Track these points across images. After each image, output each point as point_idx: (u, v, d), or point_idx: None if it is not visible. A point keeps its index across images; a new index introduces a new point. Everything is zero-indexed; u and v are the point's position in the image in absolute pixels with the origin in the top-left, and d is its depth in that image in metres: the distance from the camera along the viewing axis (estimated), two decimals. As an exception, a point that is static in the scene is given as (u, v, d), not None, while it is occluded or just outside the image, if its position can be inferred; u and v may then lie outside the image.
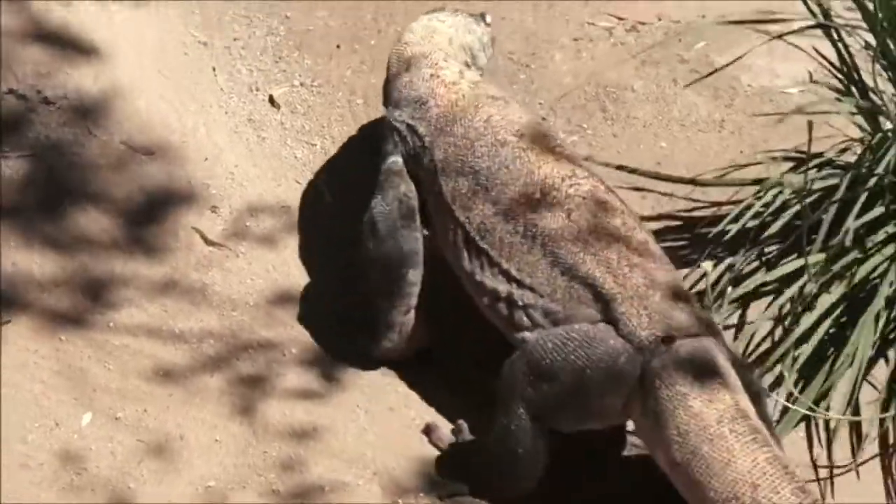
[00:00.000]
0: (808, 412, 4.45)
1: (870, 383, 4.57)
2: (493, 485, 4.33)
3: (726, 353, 4.26)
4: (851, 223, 4.57)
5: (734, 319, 4.78)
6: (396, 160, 4.85)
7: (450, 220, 4.65)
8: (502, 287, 4.52)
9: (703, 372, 4.11)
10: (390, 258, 4.75)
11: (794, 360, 4.54)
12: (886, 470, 4.47)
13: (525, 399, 4.24)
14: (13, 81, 5.03)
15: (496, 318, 4.53)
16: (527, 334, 4.42)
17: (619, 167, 5.11)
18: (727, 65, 5.27)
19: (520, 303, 4.47)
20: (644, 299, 4.25)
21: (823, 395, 4.49)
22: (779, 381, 4.56)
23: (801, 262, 4.59)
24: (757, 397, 4.23)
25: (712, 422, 4.00)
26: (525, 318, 4.46)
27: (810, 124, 4.44)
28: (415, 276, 4.73)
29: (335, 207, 5.09)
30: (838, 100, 4.89)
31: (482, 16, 5.27)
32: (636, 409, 4.18)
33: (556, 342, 4.25)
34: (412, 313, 4.74)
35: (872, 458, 4.47)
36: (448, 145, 4.75)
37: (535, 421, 4.23)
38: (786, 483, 3.87)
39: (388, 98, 5.02)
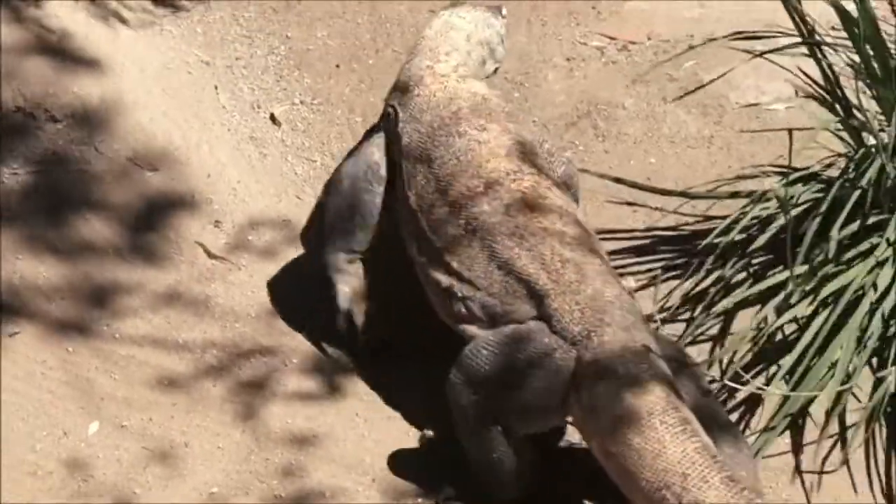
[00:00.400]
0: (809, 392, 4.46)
1: (853, 394, 4.53)
2: (483, 490, 4.31)
3: (660, 345, 4.25)
4: (835, 235, 4.54)
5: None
6: (380, 135, 4.91)
7: (406, 209, 4.68)
8: (444, 279, 4.50)
9: (635, 365, 4.10)
10: (344, 210, 4.84)
11: (779, 368, 4.53)
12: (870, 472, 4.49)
13: (476, 408, 4.21)
14: (20, 99, 5.03)
15: (440, 308, 4.53)
16: (467, 327, 4.40)
17: (617, 180, 5.13)
18: (714, 80, 5.31)
19: (459, 295, 4.44)
20: (576, 294, 4.24)
21: (808, 403, 4.48)
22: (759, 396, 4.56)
23: (786, 273, 4.57)
24: (706, 393, 4.26)
25: (643, 413, 3.99)
26: (464, 311, 4.44)
27: (791, 138, 4.51)
28: (363, 234, 4.81)
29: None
30: (828, 110, 4.87)
31: (499, 9, 5.26)
32: (573, 403, 4.16)
33: (489, 349, 4.24)
34: (359, 269, 4.81)
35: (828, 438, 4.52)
36: (414, 132, 4.78)
37: (496, 424, 4.21)
38: (714, 472, 3.88)
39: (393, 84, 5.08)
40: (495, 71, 5.27)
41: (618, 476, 4.07)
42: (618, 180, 5.12)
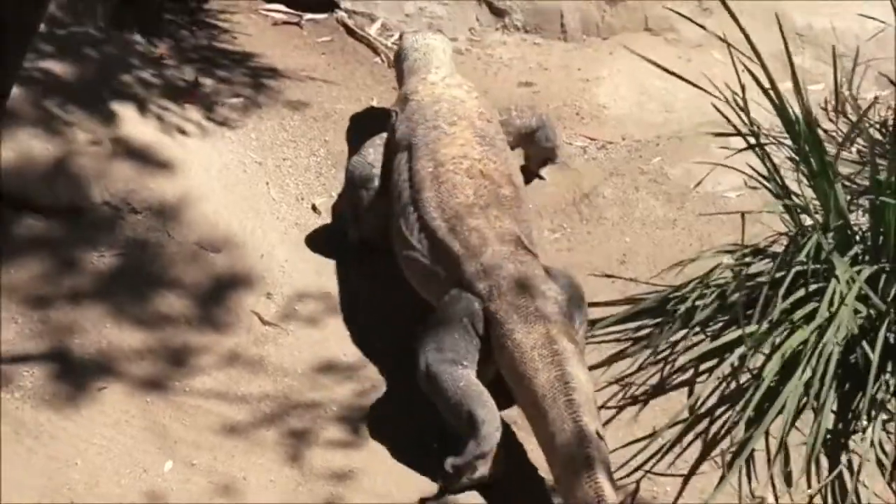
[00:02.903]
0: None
1: (798, 429, 4.56)
2: (468, 451, 4.37)
3: (550, 283, 4.57)
4: (780, 300, 4.57)
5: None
6: (383, 135, 5.23)
7: (390, 192, 4.99)
8: (399, 247, 4.83)
9: (525, 309, 4.47)
10: (356, 180, 5.16)
11: (733, 412, 4.54)
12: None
13: (439, 362, 4.46)
14: (107, 195, 5.08)
15: (412, 281, 4.84)
16: (424, 293, 4.77)
17: (609, 276, 5.23)
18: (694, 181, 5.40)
19: (409, 258, 4.79)
20: (479, 256, 4.60)
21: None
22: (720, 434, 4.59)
23: (738, 332, 4.60)
24: (571, 314, 4.60)
25: (528, 348, 4.39)
26: (413, 277, 4.80)
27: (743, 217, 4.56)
28: (367, 195, 5.15)
29: (366, 295, 5.15)
30: (776, 196, 4.93)
31: (439, 30, 5.78)
32: (490, 342, 4.49)
33: (434, 321, 4.56)
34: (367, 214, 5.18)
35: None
36: (403, 125, 5.06)
37: (456, 364, 4.47)
38: (561, 396, 4.23)
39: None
40: None
41: (515, 392, 4.45)
42: (610, 277, 5.21)
